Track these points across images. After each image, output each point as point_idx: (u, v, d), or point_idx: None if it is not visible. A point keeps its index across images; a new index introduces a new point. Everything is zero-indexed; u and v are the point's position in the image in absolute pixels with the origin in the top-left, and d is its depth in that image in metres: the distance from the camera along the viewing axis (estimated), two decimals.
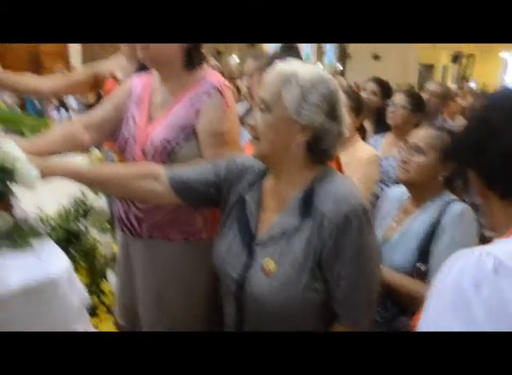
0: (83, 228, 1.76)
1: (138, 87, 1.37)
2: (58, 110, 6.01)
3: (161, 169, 1.13)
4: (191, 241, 1.31)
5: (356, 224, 0.93)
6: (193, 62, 1.30)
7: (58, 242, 1.46)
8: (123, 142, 1.33)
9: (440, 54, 14.76)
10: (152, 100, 1.33)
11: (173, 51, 1.26)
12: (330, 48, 14.73)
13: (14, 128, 1.29)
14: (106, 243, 1.77)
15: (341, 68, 15.12)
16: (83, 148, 1.40)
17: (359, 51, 14.48)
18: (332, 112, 0.96)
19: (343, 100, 0.99)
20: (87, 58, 7.71)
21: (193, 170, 1.13)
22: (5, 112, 1.25)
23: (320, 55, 14.25)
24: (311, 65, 1.00)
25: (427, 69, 15.02)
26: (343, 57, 15.23)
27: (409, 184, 1.42)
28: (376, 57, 14.44)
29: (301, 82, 0.94)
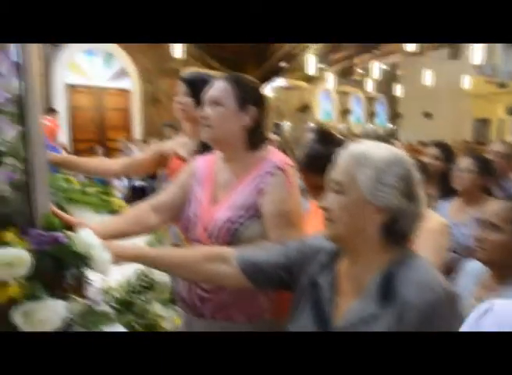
0: (146, 302, 1.76)
1: (202, 168, 1.41)
2: (119, 178, 6.34)
3: (229, 252, 1.12)
4: (254, 322, 1.28)
5: (442, 312, 0.86)
6: (255, 142, 1.32)
7: (121, 315, 1.47)
8: (187, 222, 1.35)
9: (495, 108, 14.45)
10: (216, 180, 1.36)
11: (236, 132, 1.29)
12: (381, 109, 14.87)
13: (86, 204, 1.35)
14: (169, 318, 1.76)
15: (393, 128, 15.15)
16: (151, 230, 1.43)
17: (410, 109, 14.51)
18: (408, 193, 0.92)
19: (419, 179, 0.95)
20: (148, 131, 8.23)
21: (263, 252, 1.11)
22: (76, 191, 1.30)
23: (371, 117, 14.41)
24: (384, 144, 0.98)
25: (482, 124, 14.70)
26: (394, 117, 15.31)
27: (488, 263, 1.32)
28: (428, 115, 14.37)
29: (375, 163, 0.92)
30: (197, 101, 1.73)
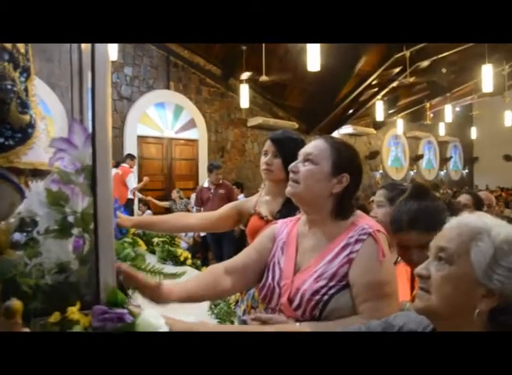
0: None
1: (284, 232, 1.33)
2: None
3: (306, 329, 1.04)
4: None
5: None
6: (343, 212, 1.24)
7: None
8: (268, 291, 1.26)
9: None
10: (299, 246, 1.27)
11: (323, 196, 1.22)
12: (455, 153, 14.22)
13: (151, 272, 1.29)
14: None
15: (466, 171, 14.41)
16: (225, 296, 1.34)
17: (487, 152, 13.76)
18: None
19: None
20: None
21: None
22: (142, 258, 1.25)
23: (444, 162, 13.77)
24: (505, 222, 0.86)
25: None
26: (469, 161, 14.55)
27: None
28: (508, 158, 13.53)
29: (496, 242, 0.81)
30: (285, 161, 1.70)
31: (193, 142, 8.80)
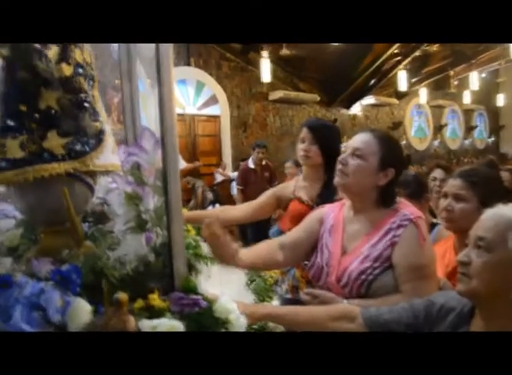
0: None
1: (330, 216, 1.44)
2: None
3: (354, 310, 1.13)
4: None
5: None
6: (386, 200, 1.34)
7: None
8: (319, 271, 1.39)
9: None
10: (345, 230, 1.38)
11: (369, 188, 1.32)
12: (480, 121, 13.87)
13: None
14: None
15: (492, 140, 14.10)
16: (275, 267, 1.54)
17: None
18: None
19: None
20: (237, 155, 8.48)
21: (390, 311, 1.10)
22: (199, 245, 1.35)
23: (469, 130, 13.46)
24: None
25: None
26: (495, 129, 14.20)
27: None
28: None
29: None
30: (322, 147, 1.88)
31: (215, 118, 8.82)
